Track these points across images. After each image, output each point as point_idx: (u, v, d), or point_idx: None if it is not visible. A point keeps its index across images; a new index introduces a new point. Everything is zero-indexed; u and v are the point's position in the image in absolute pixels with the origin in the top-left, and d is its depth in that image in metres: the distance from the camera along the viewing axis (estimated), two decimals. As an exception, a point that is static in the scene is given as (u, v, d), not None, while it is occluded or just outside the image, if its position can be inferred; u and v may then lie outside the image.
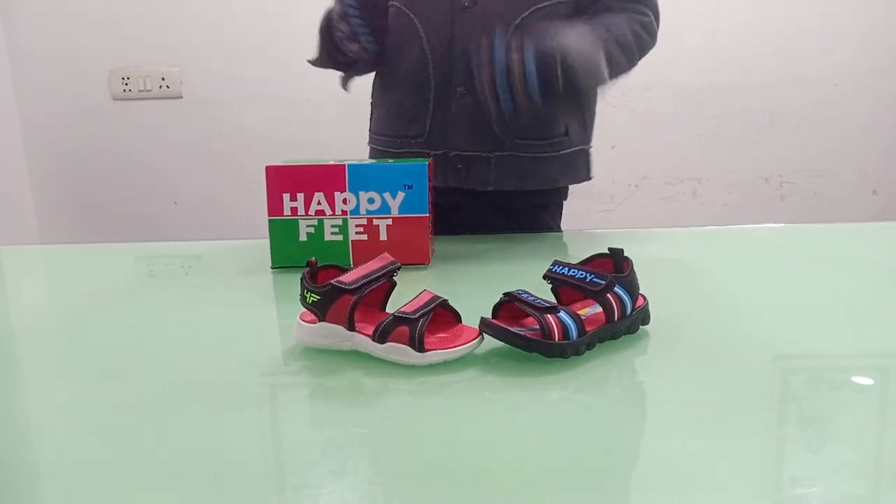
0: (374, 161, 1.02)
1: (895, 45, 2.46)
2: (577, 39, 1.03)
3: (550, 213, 1.33)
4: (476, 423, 0.56)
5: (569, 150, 1.24)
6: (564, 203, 1.35)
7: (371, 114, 1.35)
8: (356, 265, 0.71)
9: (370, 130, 1.35)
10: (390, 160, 1.06)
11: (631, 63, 1.16)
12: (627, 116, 2.47)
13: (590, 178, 1.29)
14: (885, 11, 2.43)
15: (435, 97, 1.19)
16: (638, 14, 1.17)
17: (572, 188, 1.34)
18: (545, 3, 1.15)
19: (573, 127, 1.23)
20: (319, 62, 1.23)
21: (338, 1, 1.11)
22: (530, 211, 1.29)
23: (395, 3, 1.20)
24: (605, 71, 1.05)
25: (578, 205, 1.40)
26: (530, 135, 1.19)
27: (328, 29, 1.16)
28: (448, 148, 1.20)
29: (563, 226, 1.35)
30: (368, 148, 1.35)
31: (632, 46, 1.14)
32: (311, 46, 1.21)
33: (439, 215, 1.12)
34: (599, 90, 1.08)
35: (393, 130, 1.26)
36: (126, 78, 2.48)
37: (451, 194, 1.21)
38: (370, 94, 1.36)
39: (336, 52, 1.18)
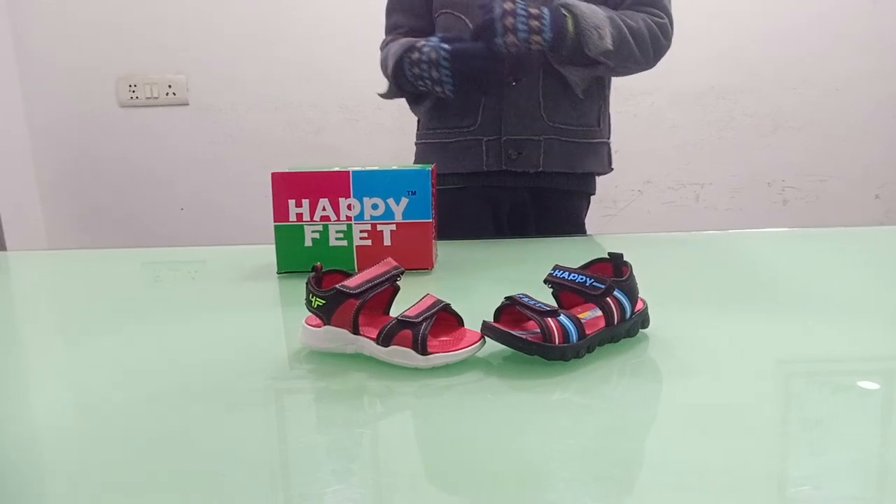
0: (377, 168, 1.03)
1: (897, 50, 2.47)
2: (586, 6, 1.19)
3: (581, 204, 1.44)
4: (478, 424, 0.57)
5: (599, 141, 1.39)
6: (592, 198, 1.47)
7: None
8: (360, 270, 0.72)
9: (419, 129, 1.45)
10: (395, 166, 1.07)
11: (644, 54, 1.27)
12: (630, 121, 2.48)
13: (612, 169, 1.45)
14: (887, 15, 2.43)
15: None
16: (654, 16, 1.28)
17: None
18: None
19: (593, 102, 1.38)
20: (390, 95, 1.36)
21: (433, 48, 1.22)
22: (563, 197, 1.40)
23: (447, 10, 1.33)
24: (607, 33, 1.19)
25: (581, 209, 1.42)
26: (568, 122, 1.34)
27: (400, 65, 1.27)
28: (500, 134, 1.31)
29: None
30: (415, 147, 1.45)
31: (645, 38, 1.25)
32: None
33: (482, 204, 1.36)
34: (606, 68, 1.26)
35: (447, 123, 1.36)
36: (133, 85, 2.50)
37: (499, 177, 1.35)
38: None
39: (409, 86, 1.30)
